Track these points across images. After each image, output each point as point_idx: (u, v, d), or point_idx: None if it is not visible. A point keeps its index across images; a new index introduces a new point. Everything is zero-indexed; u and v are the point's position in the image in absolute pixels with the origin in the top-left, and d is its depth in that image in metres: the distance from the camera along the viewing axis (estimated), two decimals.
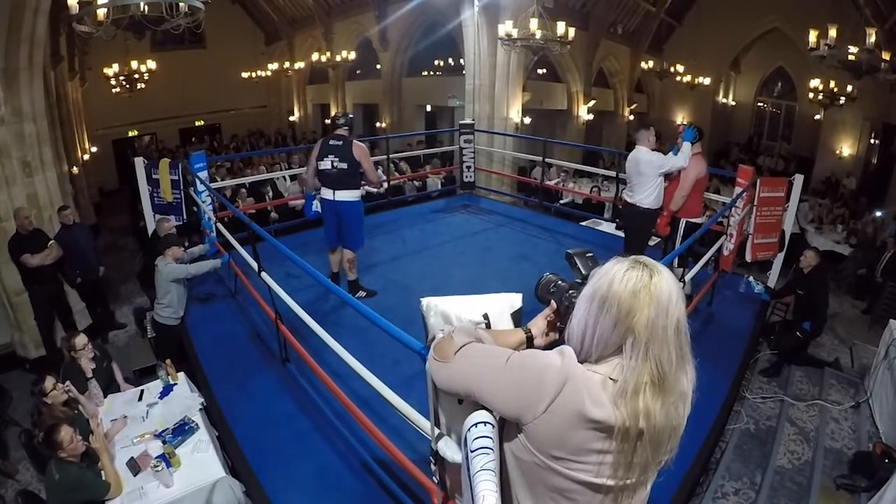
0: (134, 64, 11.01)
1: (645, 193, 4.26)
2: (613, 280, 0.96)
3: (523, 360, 1.03)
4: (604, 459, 0.96)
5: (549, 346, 1.21)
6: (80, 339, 3.40)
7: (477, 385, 1.05)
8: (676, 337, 0.95)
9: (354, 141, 4.09)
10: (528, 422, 0.98)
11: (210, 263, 4.20)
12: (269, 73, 15.70)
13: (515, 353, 1.05)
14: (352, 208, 4.21)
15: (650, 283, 0.94)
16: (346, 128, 4.11)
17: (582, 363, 1.00)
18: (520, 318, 1.51)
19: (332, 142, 4.06)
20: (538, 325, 1.28)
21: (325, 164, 4.06)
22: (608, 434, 0.94)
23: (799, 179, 4.83)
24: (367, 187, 8.27)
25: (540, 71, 13.32)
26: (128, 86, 11.27)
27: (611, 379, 0.95)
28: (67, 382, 3.14)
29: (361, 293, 4.44)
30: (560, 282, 1.27)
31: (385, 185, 8.08)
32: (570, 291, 1.20)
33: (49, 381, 2.97)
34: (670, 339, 0.94)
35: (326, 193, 4.17)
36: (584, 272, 1.20)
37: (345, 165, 4.03)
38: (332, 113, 15.28)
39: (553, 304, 1.27)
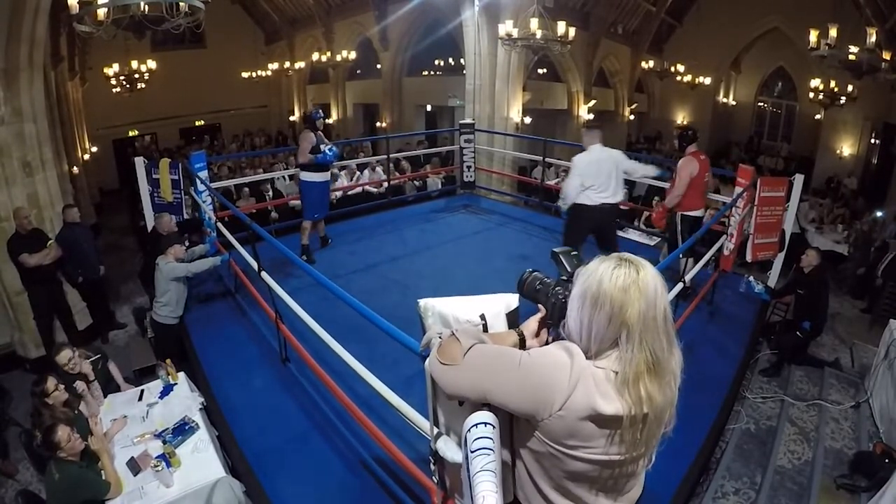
0: (134, 64, 11.01)
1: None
2: (602, 279, 1.02)
3: (535, 360, 1.06)
4: (614, 440, 1.03)
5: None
6: (65, 355, 3.24)
7: (489, 387, 1.07)
8: (665, 325, 1.02)
9: (303, 130, 4.99)
10: (543, 419, 1.03)
11: (210, 261, 4.20)
12: (269, 73, 15.69)
13: (525, 354, 1.08)
14: (303, 185, 5.12)
15: (637, 279, 1.00)
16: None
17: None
18: (516, 318, 1.52)
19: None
20: (530, 327, 1.31)
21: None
22: (618, 423, 1.01)
23: (799, 179, 4.83)
24: (367, 187, 8.36)
25: (540, 71, 13.32)
26: (128, 86, 11.27)
27: (613, 371, 1.01)
28: (82, 384, 3.14)
29: (303, 257, 5.11)
30: (546, 279, 1.29)
31: (385, 184, 8.11)
32: (557, 289, 1.24)
33: (51, 382, 2.97)
34: (660, 328, 1.01)
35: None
36: (569, 270, 1.24)
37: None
38: (333, 113, 15.33)
39: (543, 308, 1.30)
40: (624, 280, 1.00)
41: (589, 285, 1.04)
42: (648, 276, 1.01)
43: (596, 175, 4.23)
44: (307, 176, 5.03)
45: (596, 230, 4.46)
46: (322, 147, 4.89)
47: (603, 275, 1.02)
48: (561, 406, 1.00)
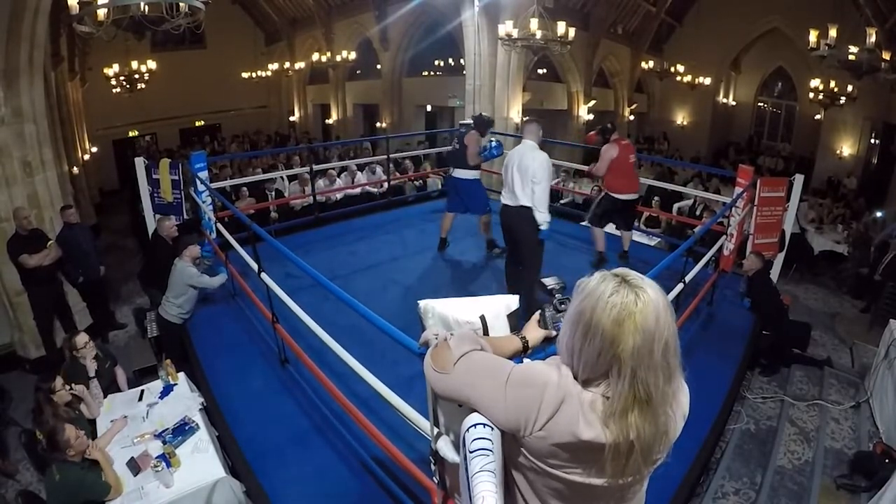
0: (134, 64, 11.00)
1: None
2: (597, 306, 0.92)
3: (523, 377, 1.03)
4: (595, 467, 0.98)
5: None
6: (81, 338, 3.42)
7: (476, 400, 1.06)
8: (664, 358, 0.92)
9: (471, 130, 5.02)
10: (525, 436, 1.00)
11: (218, 280, 4.24)
12: (269, 73, 15.70)
13: (515, 369, 1.05)
14: (468, 184, 5.11)
15: (635, 311, 0.90)
16: (471, 121, 5.19)
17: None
18: (517, 319, 1.52)
19: (462, 129, 5.16)
20: (532, 334, 1.31)
21: (449, 147, 5.30)
22: (600, 451, 0.96)
23: (799, 179, 4.83)
24: (367, 188, 8.36)
25: (540, 71, 13.32)
26: (128, 86, 11.26)
27: (602, 397, 0.96)
28: (82, 387, 3.17)
29: (496, 250, 5.27)
30: (558, 284, 1.29)
31: (385, 185, 8.10)
32: (557, 296, 1.24)
33: (59, 381, 3.02)
34: (657, 363, 0.92)
35: (449, 170, 5.29)
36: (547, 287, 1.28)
37: (457, 145, 5.05)
38: (332, 113, 15.39)
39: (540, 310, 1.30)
40: (619, 311, 0.90)
41: (582, 310, 0.95)
42: (650, 307, 0.91)
43: (505, 171, 4.03)
44: (473, 174, 5.10)
45: (506, 234, 4.22)
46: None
47: (598, 300, 0.92)
48: (542, 426, 0.97)
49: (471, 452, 1.04)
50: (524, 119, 4.56)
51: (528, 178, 3.83)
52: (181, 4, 3.64)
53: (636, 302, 0.90)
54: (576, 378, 1.00)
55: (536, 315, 1.33)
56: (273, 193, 8.16)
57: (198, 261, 4.23)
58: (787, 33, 11.66)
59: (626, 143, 4.94)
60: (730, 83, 14.64)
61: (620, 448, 0.94)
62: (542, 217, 3.89)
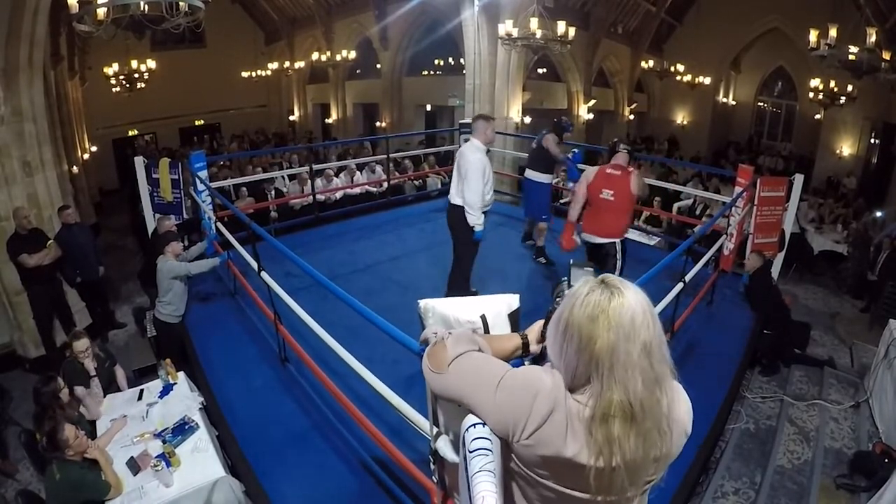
0: (134, 63, 10.98)
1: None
2: (574, 305, 0.94)
3: (514, 382, 1.02)
4: (578, 482, 0.97)
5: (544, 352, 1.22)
6: (81, 344, 3.40)
7: (469, 401, 1.06)
8: (644, 359, 0.91)
9: (548, 132, 5.09)
10: (514, 443, 1.00)
11: (209, 262, 4.21)
12: (269, 72, 15.69)
13: (508, 373, 1.04)
14: (534, 186, 5.16)
15: (609, 308, 0.91)
16: (551, 126, 5.20)
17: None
18: (517, 318, 1.52)
19: (543, 131, 5.18)
20: (534, 331, 1.30)
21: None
22: (581, 468, 0.95)
23: (799, 179, 4.83)
24: (367, 188, 8.35)
25: (540, 70, 13.33)
26: (128, 85, 11.24)
27: (587, 407, 0.95)
28: (82, 388, 3.17)
29: (541, 259, 5.19)
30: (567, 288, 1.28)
31: (385, 184, 8.10)
32: (557, 298, 1.22)
33: (60, 381, 3.04)
34: (635, 363, 0.91)
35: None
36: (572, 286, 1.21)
37: (534, 146, 5.20)
38: (332, 113, 15.35)
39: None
40: (593, 309, 0.91)
41: (562, 310, 0.96)
42: (625, 306, 0.91)
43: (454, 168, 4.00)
44: (542, 177, 5.11)
45: (450, 230, 4.10)
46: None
47: (576, 300, 0.94)
48: (530, 435, 0.96)
49: (471, 452, 1.04)
50: (474, 116, 4.22)
51: (462, 178, 3.77)
52: (181, 3, 3.64)
53: (609, 300, 0.92)
54: (565, 385, 0.99)
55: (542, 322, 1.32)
56: (273, 193, 8.16)
57: (180, 257, 4.21)
58: (787, 33, 11.67)
59: (610, 174, 3.68)
60: (730, 83, 14.65)
61: (602, 469, 0.93)
62: (472, 219, 3.77)
